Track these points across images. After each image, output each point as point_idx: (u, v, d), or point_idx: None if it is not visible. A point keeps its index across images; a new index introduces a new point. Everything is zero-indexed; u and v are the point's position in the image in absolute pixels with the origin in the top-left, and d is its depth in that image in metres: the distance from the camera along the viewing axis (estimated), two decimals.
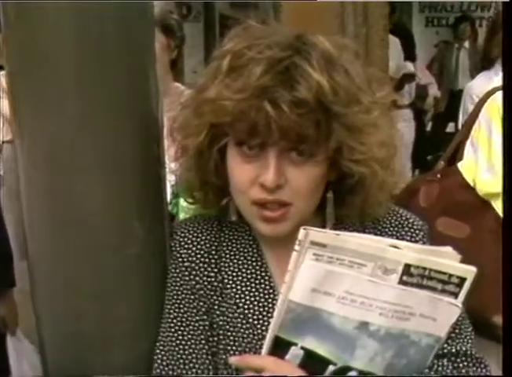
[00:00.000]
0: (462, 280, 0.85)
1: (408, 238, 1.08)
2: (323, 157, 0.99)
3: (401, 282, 0.85)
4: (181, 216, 1.67)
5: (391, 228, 1.10)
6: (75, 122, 1.02)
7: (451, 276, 0.85)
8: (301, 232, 0.84)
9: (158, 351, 1.08)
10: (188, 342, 1.07)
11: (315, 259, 0.84)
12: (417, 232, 1.09)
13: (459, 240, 1.76)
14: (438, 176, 1.96)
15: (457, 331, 1.05)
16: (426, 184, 1.95)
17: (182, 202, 1.70)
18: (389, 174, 1.04)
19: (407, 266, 0.84)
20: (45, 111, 1.02)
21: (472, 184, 1.84)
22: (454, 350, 1.04)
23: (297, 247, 0.84)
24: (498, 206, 1.76)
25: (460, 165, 1.91)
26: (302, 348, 0.89)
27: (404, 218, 1.11)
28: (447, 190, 1.89)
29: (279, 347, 0.89)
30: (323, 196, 1.06)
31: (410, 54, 5.45)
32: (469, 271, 0.85)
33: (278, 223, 1.01)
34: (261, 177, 0.97)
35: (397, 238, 1.08)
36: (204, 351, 1.06)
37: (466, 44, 6.86)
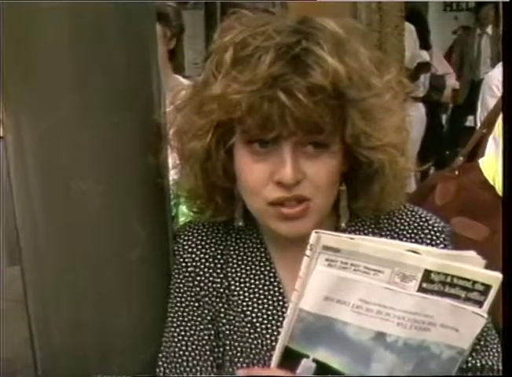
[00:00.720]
0: (488, 287, 0.84)
1: (428, 241, 1.07)
2: (338, 147, 0.98)
3: (421, 289, 0.84)
4: (181, 220, 1.67)
5: (409, 231, 1.09)
6: (73, 118, 1.01)
7: (475, 282, 0.84)
8: (313, 236, 0.83)
9: (160, 363, 1.08)
10: (192, 353, 1.06)
11: (327, 265, 0.84)
12: (437, 234, 1.08)
13: (476, 242, 1.73)
14: (456, 172, 1.94)
15: (482, 342, 1.04)
16: (444, 181, 1.93)
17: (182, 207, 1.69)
18: (405, 160, 1.03)
19: (427, 272, 0.83)
20: (41, 107, 1.02)
21: (492, 183, 1.83)
22: (479, 364, 1.03)
23: (308, 252, 0.83)
24: None
25: (481, 161, 1.89)
26: (314, 360, 0.88)
27: (423, 220, 1.10)
28: (465, 188, 1.87)
29: (290, 359, 0.88)
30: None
31: (424, 42, 5.43)
32: (495, 278, 0.84)
33: (298, 220, 0.99)
34: (277, 174, 0.96)
35: (416, 241, 1.07)
36: (209, 362, 1.06)
37: (489, 29, 6.73)
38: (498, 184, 1.79)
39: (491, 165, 1.84)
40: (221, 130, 0.99)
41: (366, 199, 1.05)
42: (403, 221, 1.10)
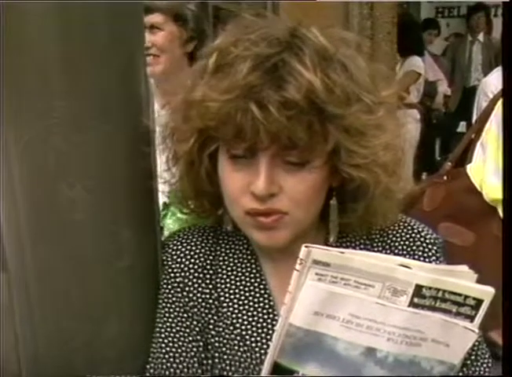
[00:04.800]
0: (479, 301, 0.83)
1: (420, 253, 1.06)
2: (320, 162, 0.96)
3: (412, 304, 0.83)
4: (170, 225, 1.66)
5: (401, 242, 1.08)
6: (61, 125, 1.00)
7: (466, 297, 0.83)
8: (303, 250, 0.81)
9: (148, 374, 1.06)
10: (180, 365, 1.04)
11: (317, 279, 0.82)
12: (429, 246, 1.07)
13: (462, 248, 1.74)
14: (445, 178, 1.94)
15: (473, 357, 1.03)
16: (432, 187, 1.93)
17: (169, 218, 1.68)
18: (394, 181, 1.00)
19: (419, 287, 0.82)
20: (28, 114, 1.00)
21: (479, 189, 1.82)
22: None
23: (298, 267, 0.82)
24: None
25: (469, 167, 1.89)
26: (304, 376, 0.87)
27: (415, 231, 1.08)
28: (452, 193, 1.87)
29: (279, 374, 0.87)
30: (326, 204, 1.03)
31: (418, 48, 5.43)
32: (487, 292, 0.83)
33: (274, 230, 0.98)
34: (252, 185, 0.95)
35: (408, 253, 1.06)
36: (197, 375, 1.04)
37: (480, 37, 6.73)
38: (485, 190, 1.79)
39: (478, 171, 1.84)
40: (203, 137, 0.98)
41: (351, 216, 1.04)
42: (395, 232, 1.09)
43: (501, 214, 1.75)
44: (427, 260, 1.06)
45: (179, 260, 1.09)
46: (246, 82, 0.89)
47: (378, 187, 0.98)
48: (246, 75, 0.90)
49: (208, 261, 1.09)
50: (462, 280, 0.84)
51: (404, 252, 1.06)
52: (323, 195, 1.01)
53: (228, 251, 1.09)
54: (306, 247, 0.81)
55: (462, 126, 5.73)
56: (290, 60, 0.90)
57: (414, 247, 1.07)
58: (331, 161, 0.97)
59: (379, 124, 0.96)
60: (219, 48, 0.96)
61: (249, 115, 0.89)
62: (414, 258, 1.05)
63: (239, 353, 1.04)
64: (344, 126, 0.92)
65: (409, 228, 1.09)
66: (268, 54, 0.91)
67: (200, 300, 1.07)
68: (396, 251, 1.07)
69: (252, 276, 1.07)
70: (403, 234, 1.08)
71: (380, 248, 1.07)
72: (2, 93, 1.01)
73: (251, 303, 1.05)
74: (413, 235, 1.08)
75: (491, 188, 1.79)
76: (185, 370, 1.04)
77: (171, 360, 1.05)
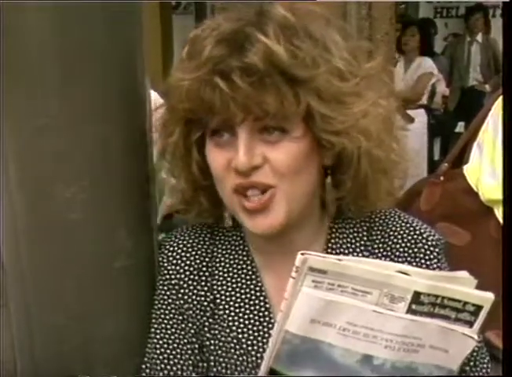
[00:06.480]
0: (479, 307, 0.81)
1: (422, 255, 1.04)
2: (300, 132, 0.95)
3: (410, 311, 0.81)
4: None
5: (402, 244, 1.05)
6: (57, 125, 0.99)
7: (465, 303, 0.81)
8: (299, 258, 0.79)
9: (144, 374, 1.05)
10: (175, 367, 1.03)
11: (314, 286, 0.80)
12: (431, 248, 1.04)
13: (458, 248, 1.73)
14: (441, 178, 1.93)
15: (471, 363, 1.01)
16: (429, 187, 1.92)
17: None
18: (378, 146, 0.98)
19: (417, 294, 0.80)
20: (25, 114, 0.99)
21: (476, 190, 1.82)
22: None
23: (294, 274, 0.79)
24: (501, 213, 1.72)
25: (465, 168, 1.88)
26: None
27: (417, 233, 1.05)
28: (449, 194, 1.86)
29: None
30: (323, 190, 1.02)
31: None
32: (486, 298, 0.81)
33: (264, 214, 0.96)
34: (233, 161, 0.95)
35: (409, 255, 1.04)
36: None
37: (479, 37, 6.71)
38: (481, 191, 1.78)
39: (474, 172, 1.83)
40: (187, 127, 1.00)
41: (342, 190, 1.02)
42: (396, 233, 1.06)
43: (497, 214, 1.75)
44: (429, 262, 1.04)
45: (175, 261, 1.07)
46: (211, 56, 0.91)
47: (362, 153, 0.97)
48: (211, 50, 0.92)
49: (204, 263, 1.07)
50: (462, 286, 0.82)
51: (406, 254, 1.04)
52: (313, 172, 1.00)
53: (224, 253, 1.08)
54: (302, 254, 0.79)
55: (460, 127, 5.72)
56: (252, 31, 0.92)
57: (415, 250, 1.05)
58: (312, 131, 0.96)
59: (357, 92, 0.96)
60: (191, 38, 0.98)
61: (217, 90, 0.91)
62: (415, 261, 1.04)
63: (234, 357, 1.02)
64: (314, 90, 0.93)
65: (411, 229, 1.06)
66: (231, 30, 0.94)
67: (196, 302, 1.05)
68: (398, 254, 1.05)
69: (248, 278, 1.05)
70: (404, 235, 1.06)
71: (381, 250, 1.05)
72: (1, 92, 1.00)
73: (247, 306, 1.04)
74: (415, 236, 1.05)
75: (486, 188, 1.78)
76: (179, 372, 1.03)
77: (165, 361, 1.04)
